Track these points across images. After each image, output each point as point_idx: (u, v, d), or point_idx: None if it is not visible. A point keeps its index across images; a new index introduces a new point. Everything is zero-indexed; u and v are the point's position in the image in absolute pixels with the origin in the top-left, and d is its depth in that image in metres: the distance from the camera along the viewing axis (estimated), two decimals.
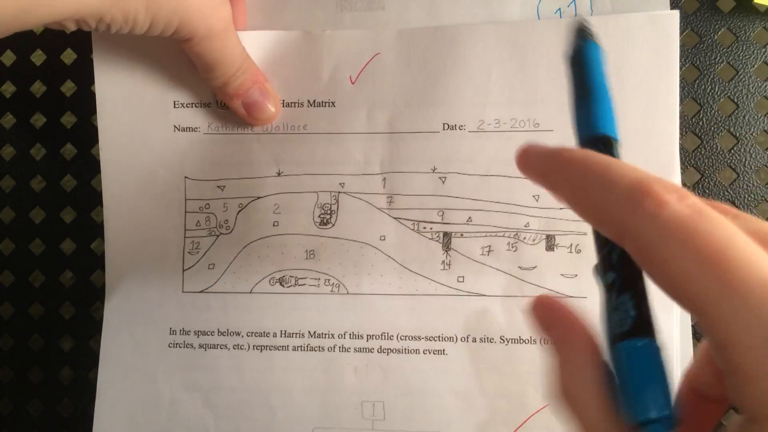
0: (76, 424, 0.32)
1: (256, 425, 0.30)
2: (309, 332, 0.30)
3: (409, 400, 0.29)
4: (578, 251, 0.29)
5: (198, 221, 0.31)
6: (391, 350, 0.30)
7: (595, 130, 0.17)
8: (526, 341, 0.29)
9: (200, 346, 0.31)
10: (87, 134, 0.32)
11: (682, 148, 0.31)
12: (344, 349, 0.30)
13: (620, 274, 0.15)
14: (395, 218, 0.30)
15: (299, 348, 0.30)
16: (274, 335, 0.30)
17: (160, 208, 0.31)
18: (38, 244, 0.33)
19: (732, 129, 0.31)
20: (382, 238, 0.30)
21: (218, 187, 0.31)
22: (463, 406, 0.29)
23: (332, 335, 0.30)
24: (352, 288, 0.30)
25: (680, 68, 0.31)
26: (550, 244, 0.30)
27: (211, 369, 0.30)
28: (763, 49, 0.31)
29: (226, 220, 0.31)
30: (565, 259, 0.30)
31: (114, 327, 0.31)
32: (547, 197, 0.29)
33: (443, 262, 0.30)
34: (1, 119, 0.34)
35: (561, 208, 0.29)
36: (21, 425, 0.33)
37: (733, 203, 0.31)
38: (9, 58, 0.34)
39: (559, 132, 0.30)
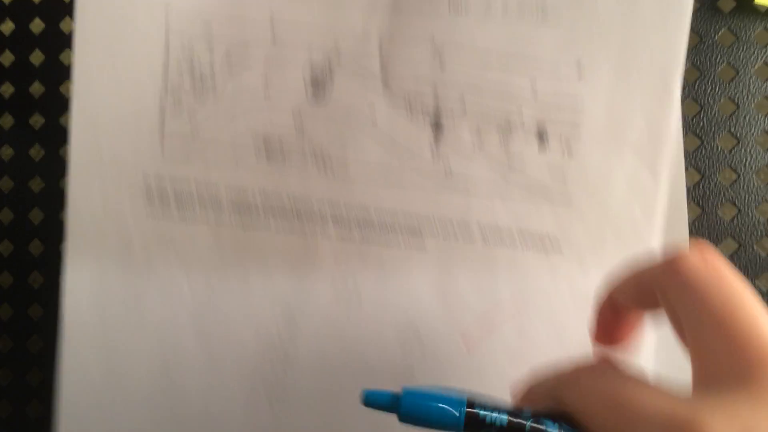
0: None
1: (230, 299, 0.30)
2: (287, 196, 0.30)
3: (383, 288, 0.29)
4: (569, 149, 0.29)
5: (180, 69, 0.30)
6: (372, 241, 0.29)
7: None
8: (507, 244, 0.29)
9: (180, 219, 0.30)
10: None
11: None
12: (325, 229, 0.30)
13: None
14: (389, 96, 0.30)
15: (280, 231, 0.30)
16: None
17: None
18: (37, 245, 0.33)
19: (732, 129, 0.31)
20: (373, 118, 0.29)
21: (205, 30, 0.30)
22: (437, 300, 0.29)
23: (312, 205, 0.29)
24: (339, 169, 0.29)
25: None
26: (542, 137, 0.29)
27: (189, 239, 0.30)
28: (764, 50, 0.31)
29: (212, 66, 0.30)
30: (556, 156, 0.29)
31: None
32: (544, 90, 0.29)
33: (432, 152, 0.29)
34: (0, 120, 0.33)
35: (556, 100, 0.29)
36: (20, 427, 0.32)
37: (733, 204, 0.31)
38: (8, 58, 0.33)
39: (564, 30, 0.29)
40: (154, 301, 0.30)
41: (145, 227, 0.30)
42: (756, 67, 0.31)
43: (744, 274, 0.30)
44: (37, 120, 0.33)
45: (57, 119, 0.33)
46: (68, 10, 0.33)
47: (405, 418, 0.20)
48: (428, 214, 0.29)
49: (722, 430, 0.14)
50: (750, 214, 0.31)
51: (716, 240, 0.31)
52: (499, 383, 0.28)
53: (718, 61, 0.31)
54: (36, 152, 0.33)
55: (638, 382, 0.17)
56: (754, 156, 0.31)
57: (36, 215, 0.33)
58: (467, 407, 0.19)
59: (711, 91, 0.31)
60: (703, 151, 0.31)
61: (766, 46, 0.31)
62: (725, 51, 0.31)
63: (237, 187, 0.30)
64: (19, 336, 0.33)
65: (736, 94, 0.31)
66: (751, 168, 0.31)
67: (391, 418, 0.19)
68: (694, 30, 0.31)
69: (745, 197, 0.31)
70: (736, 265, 0.31)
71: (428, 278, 0.29)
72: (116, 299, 0.30)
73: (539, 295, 0.29)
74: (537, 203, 0.29)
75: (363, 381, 0.29)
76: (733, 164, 0.31)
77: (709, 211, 0.31)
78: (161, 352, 0.30)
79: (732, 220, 0.31)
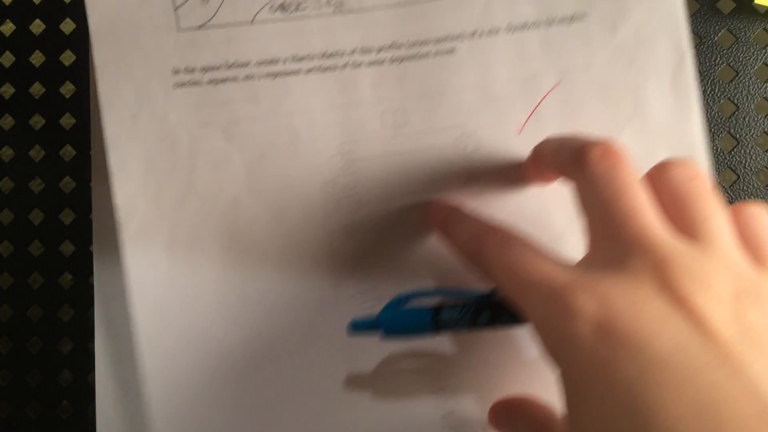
0: (76, 427, 0.32)
1: (282, 148, 0.30)
2: (320, 53, 0.30)
3: (428, 102, 0.30)
4: None
5: None
6: (403, 58, 0.30)
7: None
8: (532, 25, 0.30)
9: (209, 82, 0.30)
10: (86, 136, 0.32)
11: None
12: (357, 65, 0.30)
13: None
14: None
15: (312, 70, 0.30)
16: (284, 61, 0.30)
17: None
18: (37, 246, 0.33)
19: (732, 130, 0.31)
20: None
21: None
22: (481, 97, 0.30)
23: (342, 53, 0.30)
24: (354, 4, 0.30)
25: None
26: None
27: (225, 103, 0.30)
28: (764, 51, 0.31)
29: None
30: None
31: (108, 76, 0.30)
32: None
33: None
34: (0, 121, 0.33)
35: None
36: (20, 428, 0.32)
37: None
38: (8, 59, 0.33)
39: None
40: (205, 172, 0.30)
41: (175, 100, 0.30)
42: (756, 68, 0.31)
43: None
44: (37, 121, 0.33)
45: (57, 120, 0.33)
46: (68, 11, 0.33)
47: (386, 334, 0.26)
48: (448, 16, 0.30)
49: (583, 297, 0.18)
50: None
51: None
52: None
53: (717, 62, 0.31)
54: (36, 153, 0.33)
55: (535, 251, 0.21)
56: (753, 157, 0.31)
57: (36, 216, 0.33)
58: (433, 312, 0.25)
59: (710, 92, 0.31)
60: None
61: (765, 47, 0.31)
62: (725, 52, 0.31)
63: (261, 48, 0.30)
64: (19, 336, 0.33)
65: (735, 95, 0.31)
66: (751, 169, 0.31)
67: None
68: (694, 31, 0.31)
69: (745, 198, 0.31)
70: None
71: (465, 78, 0.30)
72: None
73: (575, 64, 0.30)
74: None
75: (429, 190, 0.30)
76: (732, 165, 0.31)
77: None
78: (228, 228, 0.30)
79: None
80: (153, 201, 0.30)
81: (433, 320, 0.25)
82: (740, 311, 0.17)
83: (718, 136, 0.31)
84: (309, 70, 0.30)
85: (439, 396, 0.29)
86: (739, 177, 0.31)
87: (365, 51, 0.30)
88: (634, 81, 0.29)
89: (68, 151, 0.33)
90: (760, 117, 0.31)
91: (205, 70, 0.30)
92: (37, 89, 0.33)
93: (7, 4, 0.34)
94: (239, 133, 0.30)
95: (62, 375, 0.32)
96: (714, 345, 0.17)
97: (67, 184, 0.33)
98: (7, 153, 0.33)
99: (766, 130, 0.31)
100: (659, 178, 0.21)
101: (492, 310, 0.24)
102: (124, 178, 0.30)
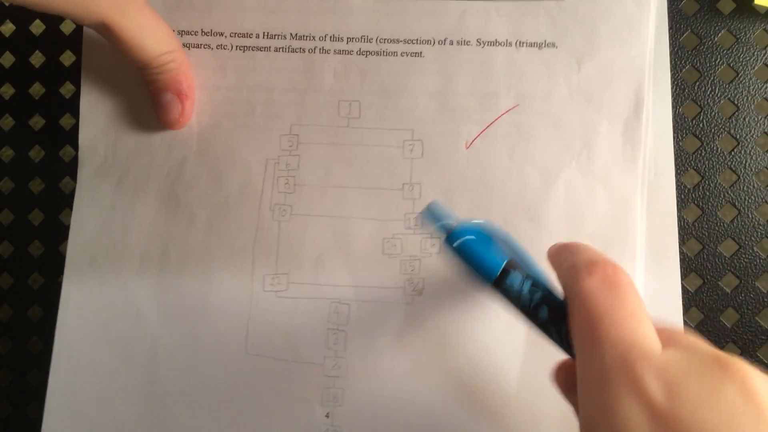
0: None
1: (236, 121, 0.31)
2: (291, 34, 0.31)
3: (384, 99, 0.31)
4: None
5: None
6: (370, 52, 0.31)
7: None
8: (502, 44, 0.30)
9: (183, 45, 0.31)
10: None
11: (682, 150, 0.31)
12: (324, 51, 0.31)
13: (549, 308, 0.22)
14: None
15: (281, 49, 0.31)
16: (257, 36, 0.31)
17: None
18: (37, 246, 0.33)
19: (732, 131, 0.31)
20: None
21: None
22: (438, 105, 0.30)
23: (313, 37, 0.31)
24: None
25: (680, 70, 0.31)
26: None
27: (194, 68, 0.31)
28: (763, 51, 0.31)
29: None
30: None
31: (89, 42, 0.32)
32: None
33: None
34: (0, 121, 0.33)
35: None
36: (20, 428, 0.32)
37: (733, 205, 0.31)
38: (8, 59, 0.33)
39: None
40: (161, 129, 0.31)
41: None
42: (756, 68, 0.31)
43: (744, 275, 0.30)
44: (37, 121, 0.33)
45: (57, 120, 0.33)
46: None
47: (451, 247, 0.23)
48: (423, 19, 0.31)
49: (654, 380, 0.17)
50: (750, 215, 0.31)
51: (716, 241, 0.31)
52: (499, 176, 0.30)
53: (718, 62, 0.31)
54: (36, 153, 0.33)
55: (636, 303, 0.20)
56: (754, 157, 0.31)
57: (36, 216, 0.33)
58: (507, 263, 0.23)
59: (711, 92, 0.31)
60: (703, 153, 0.31)
61: (765, 48, 0.31)
62: (725, 52, 0.31)
63: (237, 20, 0.31)
64: (19, 337, 0.33)
65: (736, 95, 0.31)
66: (751, 169, 0.31)
67: None
68: (694, 32, 0.31)
69: (745, 199, 0.31)
70: (736, 266, 0.31)
71: (426, 83, 0.31)
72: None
73: (535, 90, 0.30)
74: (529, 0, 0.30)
75: (367, 185, 0.30)
76: (733, 166, 0.31)
77: (709, 213, 0.31)
78: (170, 186, 0.31)
79: (732, 221, 0.31)
80: (111, 148, 0.31)
81: (502, 271, 0.22)
82: None
83: (719, 136, 0.31)
84: (278, 49, 0.31)
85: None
86: (739, 177, 0.31)
87: (335, 38, 0.31)
88: (589, 118, 0.30)
89: (68, 151, 0.33)
90: (760, 117, 0.31)
91: (183, 33, 0.31)
92: (37, 89, 0.33)
93: (8, 4, 0.34)
94: (201, 99, 0.31)
95: None
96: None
97: (67, 184, 0.33)
98: (7, 153, 0.33)
99: (766, 130, 0.31)
100: None
101: (554, 314, 0.22)
102: (90, 122, 0.32)
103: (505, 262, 0.23)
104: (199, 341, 0.30)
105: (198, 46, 0.31)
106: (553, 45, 0.30)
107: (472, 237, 0.23)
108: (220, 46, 0.31)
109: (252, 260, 0.30)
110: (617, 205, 0.29)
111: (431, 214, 0.24)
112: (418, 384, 0.29)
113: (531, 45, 0.30)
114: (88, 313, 0.31)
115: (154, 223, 0.31)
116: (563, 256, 0.23)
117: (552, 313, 0.22)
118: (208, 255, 0.31)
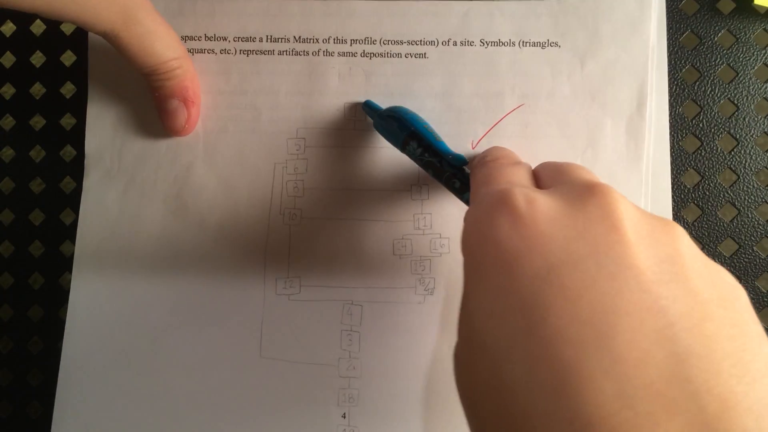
0: None
1: (242, 125, 0.31)
2: (294, 37, 0.31)
3: (390, 102, 0.31)
4: None
5: None
6: (374, 54, 0.31)
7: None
8: (505, 44, 0.30)
9: (188, 50, 0.31)
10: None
11: (682, 150, 0.31)
12: (328, 54, 0.31)
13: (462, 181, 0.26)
14: None
15: (285, 52, 0.31)
16: (260, 40, 0.31)
17: None
18: (38, 246, 0.33)
19: (732, 131, 0.31)
20: None
21: None
22: (443, 106, 0.31)
23: (317, 40, 0.31)
24: None
25: (680, 70, 0.31)
26: None
27: (198, 73, 0.31)
28: (763, 51, 0.31)
29: None
30: None
31: (95, 49, 0.32)
32: None
33: None
34: (1, 121, 0.33)
35: None
36: (20, 427, 0.32)
37: (733, 205, 0.31)
38: (9, 59, 0.33)
39: None
40: (167, 136, 0.31)
41: None
42: (756, 68, 0.31)
43: (744, 275, 0.30)
44: (37, 121, 0.33)
45: (58, 120, 0.33)
46: None
47: (377, 124, 0.29)
48: (428, 24, 0.31)
49: (520, 196, 0.19)
50: (750, 215, 0.31)
51: (716, 241, 0.31)
52: None
53: (717, 62, 0.31)
54: (36, 153, 0.33)
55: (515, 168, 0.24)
56: (753, 157, 0.31)
57: (37, 216, 0.33)
58: (409, 135, 0.27)
59: (711, 92, 0.31)
60: (703, 153, 0.31)
61: (765, 48, 0.31)
62: (725, 52, 0.31)
63: (240, 24, 0.31)
64: (19, 337, 0.33)
65: (735, 95, 0.31)
66: (751, 169, 0.31)
67: None
68: (694, 31, 0.31)
69: (744, 198, 0.31)
70: (736, 265, 0.31)
71: (431, 84, 0.31)
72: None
73: (539, 90, 0.30)
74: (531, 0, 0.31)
75: (376, 187, 0.31)
76: (732, 165, 0.31)
77: (709, 212, 0.31)
78: (177, 192, 0.31)
79: (732, 221, 0.31)
80: (117, 155, 0.31)
81: (404, 141, 0.27)
82: (656, 246, 0.17)
83: (718, 136, 0.31)
84: (282, 52, 0.31)
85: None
86: (739, 177, 0.31)
87: (339, 41, 0.31)
88: (593, 116, 0.30)
89: (68, 151, 0.33)
90: (760, 117, 0.31)
91: (186, 39, 0.31)
92: (37, 89, 0.33)
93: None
94: (206, 104, 0.31)
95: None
96: (630, 261, 0.16)
97: (67, 184, 0.33)
98: (8, 153, 0.33)
99: (766, 130, 0.31)
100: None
101: (463, 184, 0.26)
102: (97, 130, 0.32)
103: (405, 135, 0.27)
104: (212, 346, 0.30)
105: (202, 51, 0.31)
106: (556, 44, 0.30)
107: (389, 115, 0.28)
108: (223, 51, 0.31)
109: (264, 264, 0.31)
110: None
111: (368, 106, 0.30)
112: (434, 382, 0.29)
113: (534, 45, 0.30)
114: (97, 322, 0.31)
115: (162, 230, 0.31)
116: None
117: (462, 184, 0.26)
118: (219, 260, 0.31)
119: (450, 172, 0.26)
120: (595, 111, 0.30)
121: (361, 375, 0.30)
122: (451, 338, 0.29)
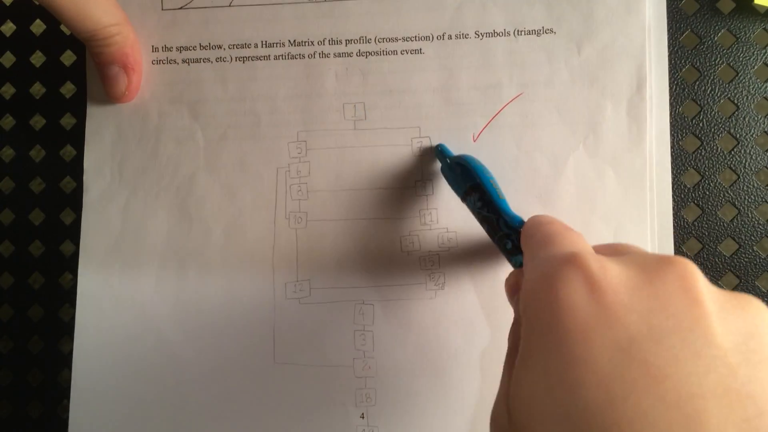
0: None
1: (242, 131, 0.31)
2: (289, 41, 0.31)
3: (388, 98, 0.31)
4: None
5: None
6: (370, 53, 0.31)
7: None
8: (500, 34, 0.30)
9: (183, 61, 0.31)
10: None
11: (682, 150, 0.31)
12: (324, 55, 0.31)
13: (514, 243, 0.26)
14: None
15: (280, 57, 0.31)
16: (256, 46, 0.31)
17: None
18: (38, 246, 0.33)
19: (732, 130, 0.31)
20: None
21: None
22: (442, 100, 0.30)
23: (312, 42, 0.31)
24: None
25: (680, 70, 0.31)
26: None
27: (195, 82, 0.31)
28: (763, 51, 0.31)
29: None
30: None
31: (92, 78, 0.32)
32: None
33: None
34: (1, 121, 0.33)
35: None
36: (20, 427, 0.33)
37: (733, 204, 0.31)
38: (8, 59, 0.33)
39: None
40: (168, 147, 0.31)
41: (151, 75, 0.32)
42: (756, 67, 0.31)
43: (744, 275, 0.30)
44: (37, 121, 0.33)
45: (57, 120, 0.33)
46: None
47: (444, 169, 0.29)
48: (422, 19, 0.31)
49: (595, 264, 0.18)
50: (750, 215, 0.31)
51: (716, 241, 0.31)
52: (508, 165, 0.30)
53: (717, 62, 0.31)
54: (36, 153, 0.33)
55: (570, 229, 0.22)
56: (753, 157, 0.31)
57: (37, 216, 0.33)
58: (472, 187, 0.27)
59: (711, 92, 0.31)
60: (703, 152, 0.31)
61: (765, 47, 0.31)
62: (725, 52, 0.31)
63: (234, 31, 0.31)
64: (19, 337, 0.33)
65: (735, 95, 0.31)
66: (751, 169, 0.31)
67: None
68: (694, 31, 0.31)
69: (744, 198, 0.31)
70: (736, 265, 0.31)
71: (428, 79, 0.31)
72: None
73: (537, 77, 0.30)
74: None
75: (380, 186, 0.31)
76: (733, 165, 0.31)
77: (709, 212, 0.31)
78: (180, 203, 0.31)
79: (732, 220, 0.31)
80: (117, 168, 0.32)
81: (467, 191, 0.27)
82: (736, 322, 0.17)
83: (718, 136, 0.31)
84: (277, 57, 0.31)
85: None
86: (739, 177, 0.31)
87: (334, 42, 0.31)
88: (594, 101, 0.30)
89: (68, 151, 0.33)
90: (760, 117, 0.31)
91: (181, 49, 0.31)
92: (37, 89, 0.33)
93: (8, 4, 0.34)
94: (204, 113, 0.31)
95: (63, 374, 0.32)
96: (714, 339, 0.16)
97: (67, 184, 0.33)
98: (8, 153, 0.33)
99: (766, 130, 0.31)
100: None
101: (515, 246, 0.25)
102: (95, 144, 0.32)
103: (469, 186, 0.27)
104: (225, 355, 0.30)
105: (197, 61, 0.31)
106: (552, 31, 0.30)
107: (457, 163, 0.28)
108: (219, 59, 0.31)
109: (272, 269, 0.31)
110: (628, 185, 0.29)
111: (440, 152, 0.30)
112: (450, 376, 0.29)
113: (529, 32, 0.30)
114: (106, 336, 0.31)
115: (168, 241, 0.31)
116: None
117: (514, 246, 0.26)
118: (227, 268, 0.31)
119: (504, 232, 0.26)
120: (594, 95, 0.30)
121: (376, 374, 0.30)
122: (465, 332, 0.30)
